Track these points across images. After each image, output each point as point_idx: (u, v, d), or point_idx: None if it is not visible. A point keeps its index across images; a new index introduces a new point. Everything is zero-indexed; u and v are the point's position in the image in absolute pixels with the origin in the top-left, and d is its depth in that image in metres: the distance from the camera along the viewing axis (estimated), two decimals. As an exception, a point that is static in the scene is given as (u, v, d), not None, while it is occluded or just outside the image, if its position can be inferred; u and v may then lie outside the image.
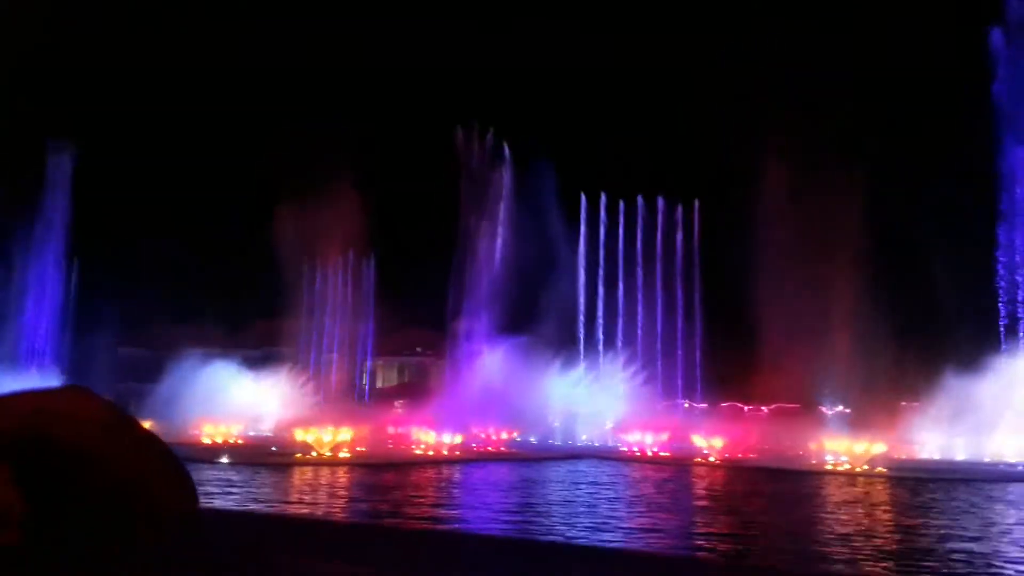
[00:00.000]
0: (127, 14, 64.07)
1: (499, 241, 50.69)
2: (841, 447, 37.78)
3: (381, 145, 62.73)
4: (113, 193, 57.67)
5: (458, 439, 40.95)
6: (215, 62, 66.22)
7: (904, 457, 39.19)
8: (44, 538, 1.66)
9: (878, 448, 36.82)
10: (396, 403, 50.06)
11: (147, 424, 37.44)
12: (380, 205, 51.64)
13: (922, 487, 28.54)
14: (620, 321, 51.43)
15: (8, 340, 48.69)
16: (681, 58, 64.26)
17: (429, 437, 40.79)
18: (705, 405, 45.33)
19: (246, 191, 59.71)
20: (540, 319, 50.73)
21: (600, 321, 51.85)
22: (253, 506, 19.61)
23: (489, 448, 42.25)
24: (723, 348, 48.75)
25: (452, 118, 55.05)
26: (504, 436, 44.34)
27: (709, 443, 40.96)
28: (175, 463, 1.76)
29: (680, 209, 52.23)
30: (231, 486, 23.73)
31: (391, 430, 42.83)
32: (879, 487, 29.33)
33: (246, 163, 59.36)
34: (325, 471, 32.07)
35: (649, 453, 41.39)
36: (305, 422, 39.24)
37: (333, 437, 37.45)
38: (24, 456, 1.57)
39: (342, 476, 30.16)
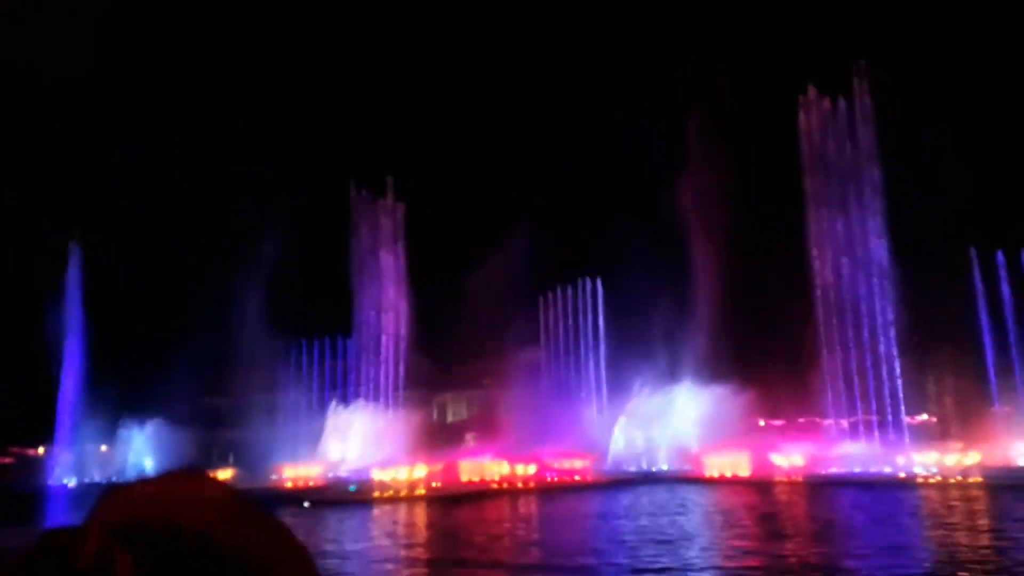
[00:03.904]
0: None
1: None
2: (930, 459, 36.31)
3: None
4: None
5: (532, 469, 40.76)
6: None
7: (1000, 464, 37.33)
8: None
9: (972, 458, 35.20)
10: (468, 436, 50.16)
11: (230, 471, 38.40)
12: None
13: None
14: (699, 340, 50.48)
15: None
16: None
17: (503, 468, 40.74)
18: (782, 421, 44.05)
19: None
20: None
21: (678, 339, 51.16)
22: (347, 547, 19.85)
23: (564, 477, 41.91)
24: (796, 363, 47.44)
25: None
26: (578, 464, 43.88)
27: (789, 460, 39.86)
28: (295, 544, 1.74)
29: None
30: (318, 531, 24.08)
31: (465, 464, 42.84)
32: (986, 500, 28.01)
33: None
34: (403, 509, 32.32)
35: (728, 474, 40.41)
36: (382, 462, 39.64)
37: (409, 475, 37.75)
38: (147, 544, 1.55)
39: (421, 514, 30.31)
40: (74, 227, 51.20)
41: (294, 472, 43.23)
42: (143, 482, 1.82)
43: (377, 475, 38.40)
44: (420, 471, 38.41)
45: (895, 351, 44.74)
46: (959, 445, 35.52)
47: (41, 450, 49.55)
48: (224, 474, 37.91)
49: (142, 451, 49.00)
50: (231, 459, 44.66)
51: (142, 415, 50.14)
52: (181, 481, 1.89)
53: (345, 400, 51.97)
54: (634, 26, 75.60)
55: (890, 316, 44.91)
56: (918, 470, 36.33)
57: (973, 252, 44.41)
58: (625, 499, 33.05)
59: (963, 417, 38.45)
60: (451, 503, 33.36)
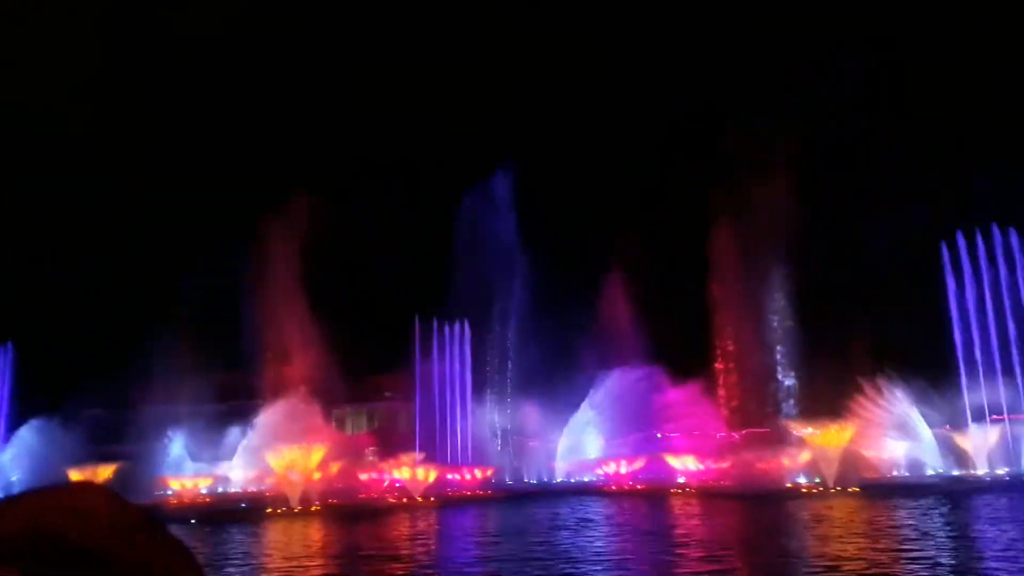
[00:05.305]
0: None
1: None
2: (814, 470, 38.31)
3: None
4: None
5: (432, 476, 40.22)
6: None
7: (869, 476, 39.48)
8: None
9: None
10: (368, 450, 49.09)
11: (110, 476, 36.11)
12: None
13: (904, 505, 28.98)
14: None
15: None
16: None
17: (403, 474, 40.08)
18: (678, 434, 45.32)
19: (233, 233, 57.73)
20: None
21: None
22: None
23: (464, 491, 41.66)
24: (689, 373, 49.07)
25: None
26: (479, 475, 43.78)
27: (684, 467, 41.05)
28: (186, 555, 1.65)
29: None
30: (202, 553, 22.90)
31: (363, 476, 41.93)
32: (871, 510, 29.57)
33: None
34: (298, 526, 31.20)
35: (626, 486, 41.18)
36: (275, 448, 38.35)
37: (306, 459, 36.77)
38: (34, 557, 1.44)
39: (315, 532, 29.29)
40: None
41: (180, 485, 41.24)
42: (31, 494, 1.60)
43: (272, 460, 37.22)
44: (318, 454, 37.38)
45: (785, 368, 47.30)
46: (839, 457, 37.47)
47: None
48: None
49: (13, 462, 45.88)
50: (111, 472, 42.08)
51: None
52: (70, 493, 1.66)
53: (242, 414, 50.00)
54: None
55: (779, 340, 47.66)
56: (802, 480, 38.15)
57: None
58: (526, 513, 33.02)
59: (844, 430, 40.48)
60: (347, 519, 32.43)
